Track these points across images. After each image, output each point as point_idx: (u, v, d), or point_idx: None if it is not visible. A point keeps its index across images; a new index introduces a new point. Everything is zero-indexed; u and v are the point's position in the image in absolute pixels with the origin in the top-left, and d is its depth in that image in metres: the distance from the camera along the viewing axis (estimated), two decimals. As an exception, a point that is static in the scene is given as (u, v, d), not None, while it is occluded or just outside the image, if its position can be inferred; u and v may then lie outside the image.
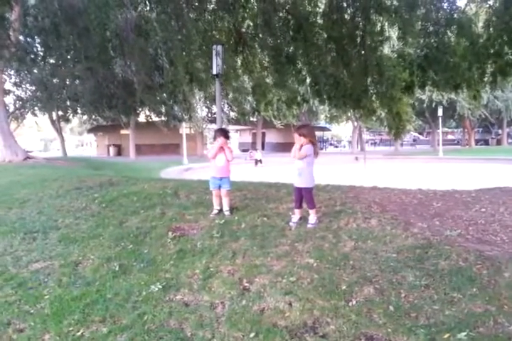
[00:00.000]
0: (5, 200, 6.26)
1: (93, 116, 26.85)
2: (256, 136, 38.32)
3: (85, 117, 29.41)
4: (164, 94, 20.32)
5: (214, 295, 3.16)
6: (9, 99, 21.96)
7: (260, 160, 25.41)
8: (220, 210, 5.12)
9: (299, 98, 10.75)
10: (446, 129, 43.53)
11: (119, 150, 33.22)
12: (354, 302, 2.92)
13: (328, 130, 47.87)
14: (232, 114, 28.77)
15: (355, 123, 38.31)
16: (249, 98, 17.25)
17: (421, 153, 33.39)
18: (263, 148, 37.46)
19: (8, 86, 20.93)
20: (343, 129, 55.89)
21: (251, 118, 31.15)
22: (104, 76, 17.16)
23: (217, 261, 3.73)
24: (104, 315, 2.91)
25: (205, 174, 5.84)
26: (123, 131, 31.03)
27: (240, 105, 23.32)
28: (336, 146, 57.22)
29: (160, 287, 3.27)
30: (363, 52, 8.90)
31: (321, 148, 47.55)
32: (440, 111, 29.86)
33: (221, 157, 5.10)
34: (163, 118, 26.50)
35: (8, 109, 20.08)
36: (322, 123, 41.29)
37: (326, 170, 18.61)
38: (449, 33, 7.76)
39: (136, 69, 15.61)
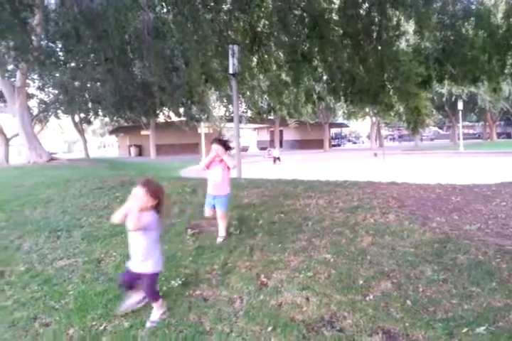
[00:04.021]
0: (30, 200, 6.47)
1: (114, 118, 27.31)
2: (274, 134, 38.33)
3: (107, 119, 29.93)
4: (182, 95, 20.57)
5: (232, 290, 3.22)
6: (33, 103, 22.56)
7: (278, 158, 25.42)
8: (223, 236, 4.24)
9: (314, 96, 10.71)
10: (466, 123, 42.58)
11: (140, 151, 33.72)
12: (371, 296, 2.93)
13: (346, 126, 47.47)
14: (250, 113, 28.84)
15: (373, 119, 37.90)
16: (266, 97, 17.28)
17: (441, 147, 32.78)
18: (281, 145, 37.43)
19: (31, 90, 21.49)
20: (361, 125, 55.32)
21: (268, 117, 31.21)
22: (124, 78, 17.44)
23: (235, 257, 3.79)
24: (126, 310, 3.00)
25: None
26: (143, 132, 31.48)
27: (256, 104, 23.37)
28: (355, 142, 56.69)
29: (180, 282, 3.35)
30: (379, 47, 8.81)
31: (339, 145, 47.26)
32: (460, 105, 29.24)
33: (217, 170, 4.17)
34: (181, 118, 26.81)
35: (32, 113, 20.62)
36: (340, 120, 40.98)
37: (345, 166, 18.55)
38: (467, 26, 7.61)
39: (153, 70, 15.83)
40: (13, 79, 17.26)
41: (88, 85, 20.61)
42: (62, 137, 47.21)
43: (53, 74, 19.23)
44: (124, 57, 13.86)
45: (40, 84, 21.33)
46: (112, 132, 38.05)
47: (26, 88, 17.93)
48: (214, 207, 4.21)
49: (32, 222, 5.21)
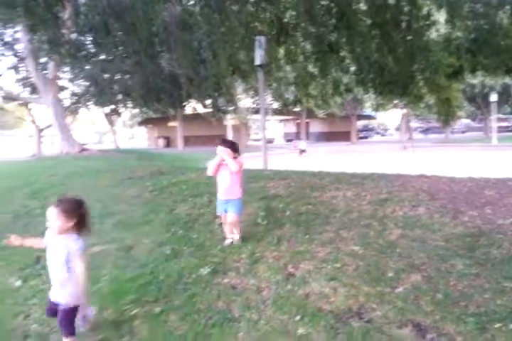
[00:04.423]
0: (64, 189, 6.69)
1: (143, 110, 27.72)
2: (300, 126, 38.09)
3: (136, 110, 30.42)
4: (209, 87, 20.67)
5: (260, 279, 3.26)
6: (65, 95, 23.13)
7: (304, 150, 25.27)
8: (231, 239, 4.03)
9: (342, 87, 10.58)
10: (500, 115, 41.08)
11: (168, 142, 34.17)
12: (401, 289, 2.91)
13: (374, 118, 46.63)
14: (276, 105, 28.72)
15: (403, 111, 37.04)
16: (292, 88, 17.15)
17: (473, 140, 31.79)
18: (307, 137, 37.18)
19: (63, 82, 22.04)
20: (390, 117, 54.22)
21: (294, 109, 31.00)
22: (152, 70, 17.62)
23: (263, 247, 3.82)
24: (157, 296, 3.08)
25: (249, 164, 5.91)
26: (171, 123, 31.86)
27: (283, 95, 23.20)
28: (383, 135, 55.66)
29: (209, 270, 3.41)
30: (408, 37, 8.60)
31: (367, 137, 46.50)
32: (494, 97, 28.20)
33: (225, 174, 3.88)
34: (208, 110, 26.96)
35: (64, 104, 21.17)
36: (367, 112, 40.27)
37: (372, 159, 18.29)
38: (501, 14, 7.32)
39: (181, 62, 15.95)
40: (46, 72, 17.75)
41: (117, 77, 20.97)
42: (93, 128, 48.38)
43: (83, 67, 19.62)
44: (152, 50, 14.02)
45: (71, 76, 21.83)
46: (140, 123, 38.68)
47: (58, 80, 18.41)
48: (226, 211, 3.93)
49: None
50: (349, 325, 2.57)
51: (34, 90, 19.34)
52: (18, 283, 3.46)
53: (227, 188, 3.92)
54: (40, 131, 21.99)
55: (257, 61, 7.56)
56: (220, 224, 4.27)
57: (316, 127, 42.04)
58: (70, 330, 2.44)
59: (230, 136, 26.09)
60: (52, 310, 2.50)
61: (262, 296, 3.01)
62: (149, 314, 2.85)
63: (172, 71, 16.96)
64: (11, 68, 19.48)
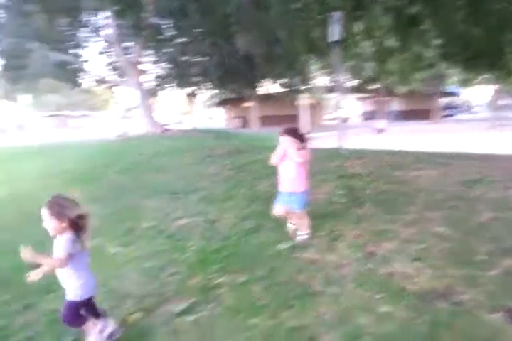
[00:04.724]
0: (150, 166, 7.15)
1: (219, 91, 28.36)
2: (378, 104, 36.54)
3: (213, 91, 31.18)
4: (283, 66, 20.52)
5: (340, 256, 3.27)
6: (149, 77, 24.31)
7: (383, 129, 24.29)
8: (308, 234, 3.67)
9: (423, 62, 9.93)
10: None
11: (244, 122, 34.68)
12: (492, 273, 2.77)
13: (457, 95, 43.21)
14: (353, 82, 27.76)
15: (491, 87, 33.90)
16: (370, 65, 16.45)
17: None
18: (386, 116, 35.64)
19: (147, 65, 23.13)
20: (475, 94, 49.92)
21: (372, 86, 29.77)
22: (228, 51, 17.91)
23: (342, 225, 3.81)
24: (240, 266, 3.23)
25: (324, 143, 5.84)
26: (247, 104, 32.24)
27: (360, 73, 22.32)
28: (470, 113, 51.59)
29: (288, 245, 3.49)
30: (497, 6, 7.76)
31: (451, 115, 43.38)
32: None
33: (290, 164, 3.52)
34: (283, 89, 26.85)
35: (147, 87, 22.30)
36: (451, 88, 37.43)
37: (457, 138, 17.09)
38: None
39: (256, 42, 15.97)
40: (131, 56, 18.76)
41: (195, 59, 21.56)
42: (174, 109, 50.55)
43: (164, 50, 20.41)
44: (228, 30, 14.16)
45: (154, 59, 22.83)
46: (218, 104, 39.63)
47: (142, 63, 19.39)
48: (288, 205, 3.60)
49: (154, 185, 5.78)
50: (434, 306, 2.51)
51: (121, 73, 20.56)
52: (116, 250, 3.81)
53: (292, 179, 3.54)
54: (126, 112, 23.45)
55: (333, 37, 7.32)
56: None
57: (395, 105, 40.05)
58: (79, 322, 2.38)
59: (304, 115, 25.83)
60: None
61: (342, 273, 3.03)
62: (234, 283, 3.00)
63: (247, 51, 17.10)
64: (101, 53, 20.83)
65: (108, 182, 6.53)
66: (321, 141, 14.94)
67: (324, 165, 5.88)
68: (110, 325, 2.45)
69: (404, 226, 3.62)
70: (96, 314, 2.46)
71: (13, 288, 3.11)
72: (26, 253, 2.20)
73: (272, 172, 5.84)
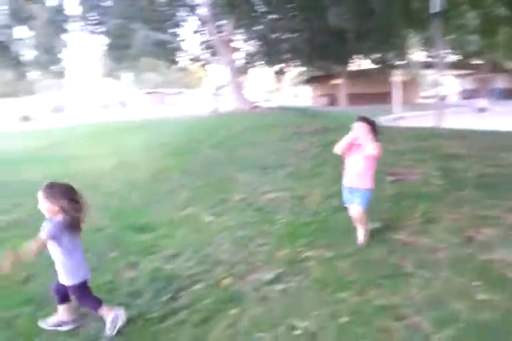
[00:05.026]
0: (241, 141, 7.37)
1: (308, 68, 27.94)
2: (481, 82, 33.27)
3: (301, 69, 30.83)
4: (377, 40, 19.52)
5: (435, 239, 3.12)
6: (239, 55, 24.68)
7: (484, 108, 22.19)
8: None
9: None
10: None
11: (332, 100, 33.89)
12: None
13: None
14: (452, 58, 25.53)
15: None
16: (474, 38, 14.97)
17: None
18: (489, 94, 32.37)
19: (237, 43, 23.46)
20: None
21: (475, 62, 27.13)
22: (319, 26, 17.45)
23: (439, 207, 3.62)
24: (328, 242, 3.24)
25: (418, 123, 5.50)
26: (335, 81, 31.40)
27: (463, 47, 20.44)
28: None
29: (379, 226, 3.41)
30: None
31: None
32: None
33: (358, 157, 3.12)
34: (375, 65, 25.65)
35: (238, 64, 22.68)
36: None
37: None
38: None
39: (348, 16, 15.30)
40: (222, 34, 19.12)
41: (285, 36, 21.36)
42: (262, 87, 51.05)
43: (255, 28, 20.47)
44: (320, 5, 13.72)
45: (245, 37, 23.05)
46: (305, 82, 39.12)
47: (234, 42, 19.68)
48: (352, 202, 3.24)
49: (244, 160, 5.97)
50: (543, 297, 2.31)
51: (213, 52, 21.11)
52: (209, 218, 4.03)
53: (358, 174, 3.14)
54: (217, 89, 24.17)
55: (434, 8, 6.74)
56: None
57: (498, 82, 36.12)
58: (94, 303, 2.40)
59: (397, 93, 24.44)
60: (57, 289, 2.43)
61: (436, 256, 2.90)
62: (321, 257, 3.03)
63: (339, 26, 16.48)
64: (195, 32, 21.53)
65: (201, 155, 6.86)
66: (416, 120, 14.10)
67: (419, 145, 5.57)
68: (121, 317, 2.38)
69: (507, 212, 3.34)
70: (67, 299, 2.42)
71: (119, 247, 3.46)
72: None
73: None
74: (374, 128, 3.09)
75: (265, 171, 5.31)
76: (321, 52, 21.54)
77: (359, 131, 3.04)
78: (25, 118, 25.74)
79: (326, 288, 2.63)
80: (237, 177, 5.28)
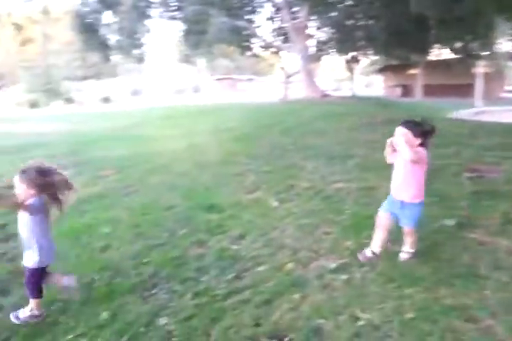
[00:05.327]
0: (309, 130, 7.31)
1: (383, 56, 26.84)
2: None
3: (375, 58, 29.71)
4: (462, 28, 18.20)
5: (515, 241, 2.92)
6: (311, 43, 24.29)
7: None
8: (375, 254, 2.90)
9: None
10: None
11: (406, 91, 32.38)
12: None
13: None
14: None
15: None
16: None
17: None
18: None
19: (311, 30, 23.06)
20: None
21: None
22: (399, 13, 16.62)
23: (522, 208, 3.36)
24: (396, 236, 3.09)
25: (502, 119, 5.08)
26: (411, 71, 29.91)
27: None
28: None
29: (454, 223, 3.25)
30: None
31: None
32: None
33: (399, 164, 2.86)
34: (457, 55, 23.99)
35: (309, 52, 22.35)
36: None
37: None
38: None
39: (432, 2, 14.38)
40: (296, 21, 18.88)
41: (361, 23, 20.63)
42: (332, 75, 50.00)
43: (330, 14, 19.97)
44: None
45: (318, 24, 22.59)
46: (378, 71, 37.71)
47: (307, 29, 19.38)
48: (394, 215, 2.86)
49: (312, 148, 5.92)
50: None
51: (286, 39, 20.95)
52: (276, 204, 4.07)
53: (400, 185, 2.83)
54: (288, 77, 24.04)
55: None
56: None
57: None
58: (35, 293, 2.35)
59: (479, 85, 22.78)
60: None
61: (515, 259, 2.71)
62: (387, 251, 2.94)
63: (421, 13, 15.54)
64: (268, 19, 21.48)
65: (270, 141, 6.90)
66: (499, 115, 13.13)
67: (504, 141, 5.18)
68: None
69: None
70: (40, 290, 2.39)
71: (189, 225, 3.61)
72: None
73: (439, 143, 5.40)
74: (419, 131, 2.73)
75: (333, 160, 5.24)
76: (399, 40, 20.53)
77: (397, 135, 2.74)
78: (106, 100, 27.42)
79: (391, 282, 2.57)
80: (305, 164, 5.26)
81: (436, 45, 24.74)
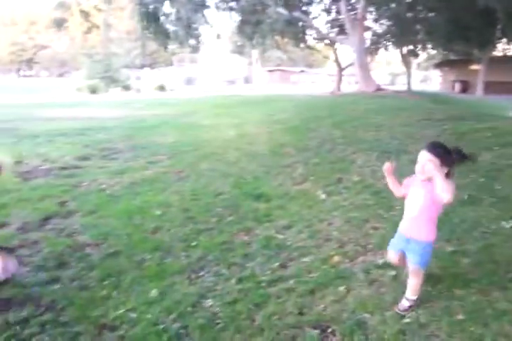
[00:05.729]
0: (362, 123, 7.16)
1: (443, 51, 25.66)
2: None
3: (434, 52, 28.46)
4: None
5: None
6: (367, 35, 23.63)
7: None
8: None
9: None
10: None
11: (465, 87, 30.78)
12: None
13: None
14: None
15: None
16: None
17: None
18: None
19: (368, 22, 22.42)
20: None
21: None
22: (463, 5, 15.75)
23: None
24: (449, 236, 3.03)
25: None
26: (472, 67, 28.34)
27: None
28: None
29: (511, 225, 3.09)
30: None
31: None
32: None
33: (417, 196, 2.22)
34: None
35: (365, 45, 21.76)
36: None
37: None
38: None
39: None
40: (354, 12, 18.41)
41: (421, 16, 19.78)
42: (387, 69, 48.53)
43: (390, 6, 19.28)
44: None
45: (376, 16, 21.91)
46: (436, 66, 36.09)
47: (365, 21, 18.84)
48: (402, 252, 2.36)
49: (364, 142, 5.81)
50: None
51: (341, 31, 20.51)
52: (323, 196, 4.04)
53: (414, 220, 2.27)
54: (341, 70, 23.58)
55: None
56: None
57: None
58: None
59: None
60: None
61: None
62: (440, 251, 2.84)
63: (487, 5, 14.62)
64: (323, 10, 21.11)
65: (320, 134, 6.84)
66: None
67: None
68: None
69: None
70: None
71: (236, 213, 3.67)
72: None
73: (500, 143, 5.15)
74: (447, 158, 2.12)
75: (386, 155, 5.10)
76: (462, 34, 19.55)
77: (424, 162, 2.10)
78: (161, 88, 28.17)
79: (441, 282, 2.49)
80: (356, 158, 5.18)
81: (503, 40, 23.31)
